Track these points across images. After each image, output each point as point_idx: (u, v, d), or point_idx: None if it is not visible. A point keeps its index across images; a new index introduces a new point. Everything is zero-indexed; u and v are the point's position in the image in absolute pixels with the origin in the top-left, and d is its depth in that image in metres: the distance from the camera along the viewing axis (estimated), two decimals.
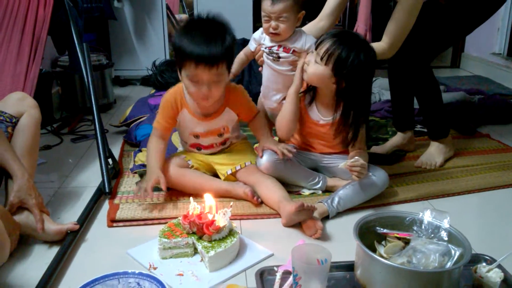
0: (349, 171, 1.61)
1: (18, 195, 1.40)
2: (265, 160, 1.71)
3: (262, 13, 1.78)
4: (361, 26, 3.63)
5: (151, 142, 1.74)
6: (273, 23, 1.75)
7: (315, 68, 1.63)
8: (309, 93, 1.76)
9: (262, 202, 1.68)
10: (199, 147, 1.80)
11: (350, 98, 1.64)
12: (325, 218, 1.60)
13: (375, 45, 1.80)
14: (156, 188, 1.76)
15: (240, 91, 1.77)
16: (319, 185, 1.77)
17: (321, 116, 1.74)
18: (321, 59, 1.60)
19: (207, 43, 1.51)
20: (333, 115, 1.70)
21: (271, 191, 1.65)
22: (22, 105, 1.57)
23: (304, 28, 1.92)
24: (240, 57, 1.96)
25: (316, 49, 1.63)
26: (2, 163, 1.42)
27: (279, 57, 1.81)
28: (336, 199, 1.62)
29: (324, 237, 1.50)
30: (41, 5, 1.94)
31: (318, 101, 1.74)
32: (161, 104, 1.74)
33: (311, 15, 2.02)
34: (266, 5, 1.74)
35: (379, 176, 1.69)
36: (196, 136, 1.76)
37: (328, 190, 1.78)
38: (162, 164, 1.71)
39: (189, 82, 1.57)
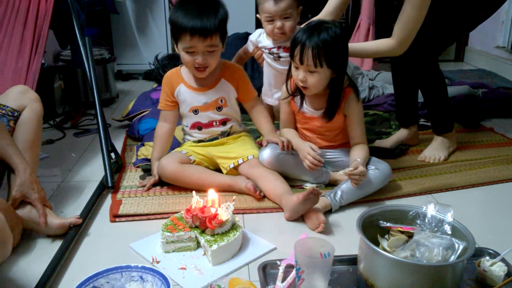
0: (348, 177, 1.60)
1: (21, 190, 1.40)
2: (267, 154, 1.71)
3: (264, 15, 1.75)
4: (364, 19, 3.62)
5: (156, 128, 1.84)
6: (278, 23, 1.74)
7: (315, 78, 1.60)
8: (297, 95, 1.74)
9: (264, 196, 1.68)
10: (200, 127, 1.81)
11: (339, 75, 1.63)
12: (328, 212, 1.60)
13: (383, 42, 1.78)
14: (160, 183, 1.77)
15: (237, 67, 1.84)
16: (322, 179, 1.77)
17: (312, 110, 1.73)
18: (315, 66, 1.57)
19: (200, 15, 1.59)
20: (323, 107, 1.70)
21: (273, 185, 1.65)
22: (24, 98, 1.57)
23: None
24: (239, 54, 1.99)
25: (302, 63, 1.59)
26: (4, 158, 1.42)
27: (279, 57, 1.82)
28: (339, 193, 1.62)
29: (327, 230, 1.50)
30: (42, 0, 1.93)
31: (311, 96, 1.73)
32: (162, 84, 1.83)
33: (315, 10, 2.00)
34: (269, 6, 1.72)
35: (382, 169, 1.68)
36: (195, 111, 1.78)
37: (331, 184, 1.77)
38: (164, 151, 1.81)
39: (185, 53, 1.66)
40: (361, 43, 1.89)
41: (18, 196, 1.40)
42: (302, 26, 1.67)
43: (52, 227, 1.43)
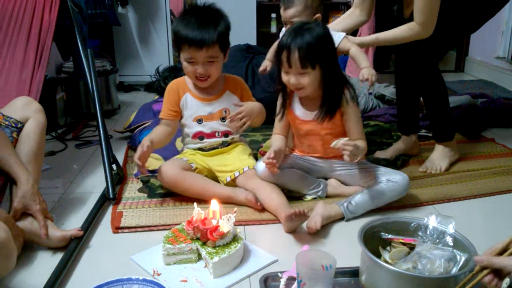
0: (341, 150, 1.55)
1: (22, 201, 1.40)
2: (263, 167, 1.68)
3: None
4: (365, 31, 3.64)
5: (156, 127, 1.82)
6: (286, 27, 1.86)
7: (307, 79, 1.60)
8: (286, 99, 1.75)
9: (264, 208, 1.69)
10: (201, 136, 1.82)
11: (329, 73, 1.62)
12: (340, 219, 1.62)
13: (407, 27, 1.77)
14: (161, 194, 1.77)
15: (238, 78, 1.89)
16: (320, 193, 1.76)
17: (311, 112, 1.71)
18: (303, 67, 1.57)
19: (200, 27, 1.64)
20: (318, 109, 1.69)
21: (270, 198, 1.65)
22: (28, 110, 1.58)
23: (341, 18, 2.03)
24: (274, 46, 2.02)
25: (290, 66, 1.59)
26: (6, 169, 1.43)
27: None
28: (353, 203, 1.62)
29: (328, 242, 1.50)
30: (46, 11, 1.95)
31: (306, 98, 1.72)
32: (165, 94, 1.83)
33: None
34: (281, 11, 1.87)
35: (399, 180, 1.66)
36: (199, 121, 1.80)
37: (328, 197, 1.77)
38: (159, 140, 1.77)
39: (186, 63, 1.70)
40: (385, 32, 1.87)
41: (20, 207, 1.40)
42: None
43: (53, 239, 1.43)
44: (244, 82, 1.89)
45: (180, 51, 1.71)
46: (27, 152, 1.52)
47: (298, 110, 1.74)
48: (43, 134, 1.59)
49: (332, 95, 1.66)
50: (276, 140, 1.78)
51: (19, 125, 1.54)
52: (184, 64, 1.71)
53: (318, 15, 1.85)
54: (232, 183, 1.76)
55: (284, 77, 1.64)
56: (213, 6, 1.73)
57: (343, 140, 1.54)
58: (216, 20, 1.68)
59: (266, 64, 2.09)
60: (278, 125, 1.81)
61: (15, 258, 1.15)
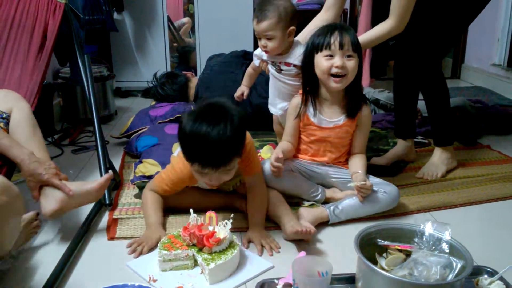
0: (356, 191, 1.62)
1: (31, 179, 1.44)
2: (266, 171, 1.70)
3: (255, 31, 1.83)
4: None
5: (147, 194, 1.64)
6: (262, 41, 1.80)
7: (353, 62, 1.61)
8: (309, 103, 1.74)
9: None
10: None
11: (359, 72, 1.67)
12: (325, 223, 1.62)
13: (381, 25, 1.79)
14: None
15: (247, 149, 1.56)
16: (318, 197, 1.77)
17: (329, 119, 1.72)
18: (354, 50, 1.60)
19: (214, 147, 1.35)
20: (343, 113, 1.71)
21: (272, 205, 1.64)
22: (7, 101, 1.58)
23: (312, 22, 1.98)
24: (248, 72, 2.06)
25: (341, 47, 1.58)
26: (2, 151, 1.44)
27: (280, 69, 1.86)
28: (340, 208, 1.63)
29: (324, 249, 1.50)
30: (50, 15, 1.95)
31: (325, 104, 1.73)
32: (171, 176, 1.61)
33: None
34: (254, 24, 1.80)
35: (390, 192, 1.67)
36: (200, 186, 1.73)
37: (326, 202, 1.76)
38: (161, 215, 1.61)
39: (198, 175, 1.47)
40: (362, 35, 1.87)
41: (32, 185, 1.44)
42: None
43: (92, 191, 1.52)
44: (251, 146, 1.60)
45: (189, 163, 1.44)
46: (24, 140, 1.52)
47: (315, 116, 1.73)
48: (31, 118, 1.59)
49: (355, 96, 1.70)
50: (283, 144, 1.78)
51: (4, 115, 1.54)
52: (196, 175, 1.48)
53: (292, 27, 1.78)
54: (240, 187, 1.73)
55: (325, 63, 1.60)
56: (222, 106, 1.41)
57: (359, 183, 1.59)
58: (231, 137, 1.35)
59: (243, 89, 2.07)
60: (288, 132, 1.79)
61: (22, 203, 1.16)
